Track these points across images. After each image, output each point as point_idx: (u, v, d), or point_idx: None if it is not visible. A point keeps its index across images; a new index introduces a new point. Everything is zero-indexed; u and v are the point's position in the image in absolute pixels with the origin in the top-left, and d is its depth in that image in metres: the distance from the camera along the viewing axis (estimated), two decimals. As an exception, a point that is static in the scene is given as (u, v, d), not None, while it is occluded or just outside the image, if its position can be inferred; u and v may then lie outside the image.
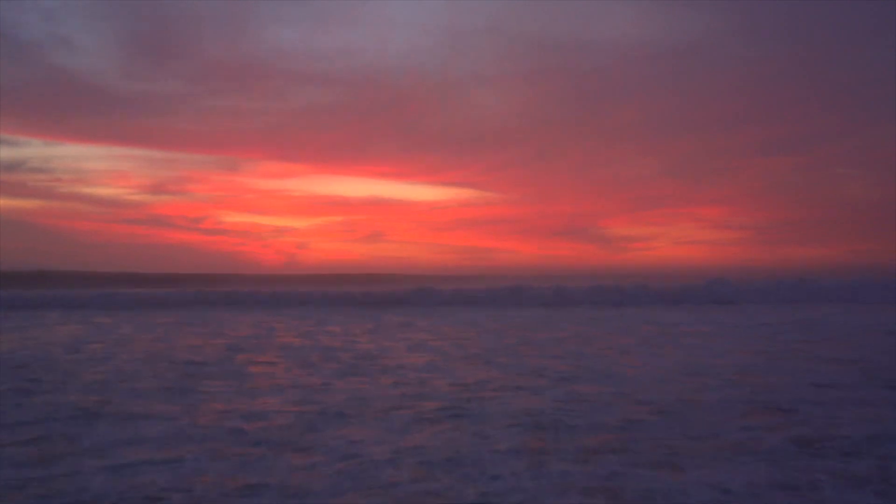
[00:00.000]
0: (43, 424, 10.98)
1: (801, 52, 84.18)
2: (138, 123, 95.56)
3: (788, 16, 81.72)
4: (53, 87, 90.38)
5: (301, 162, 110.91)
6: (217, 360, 17.98)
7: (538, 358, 17.74)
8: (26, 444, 9.90)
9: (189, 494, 7.80)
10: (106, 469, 8.70)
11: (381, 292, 49.99)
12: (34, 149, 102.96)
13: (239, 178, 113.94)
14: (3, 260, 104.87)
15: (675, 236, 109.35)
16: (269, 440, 9.90)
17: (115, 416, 11.38)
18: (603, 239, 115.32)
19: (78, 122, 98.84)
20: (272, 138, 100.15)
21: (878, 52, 74.83)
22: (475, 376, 14.90)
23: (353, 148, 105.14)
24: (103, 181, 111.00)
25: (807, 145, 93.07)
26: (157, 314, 38.09)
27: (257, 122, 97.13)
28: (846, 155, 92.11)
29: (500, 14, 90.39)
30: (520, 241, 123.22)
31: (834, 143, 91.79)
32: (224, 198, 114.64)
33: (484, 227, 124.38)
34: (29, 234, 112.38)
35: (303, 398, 12.80)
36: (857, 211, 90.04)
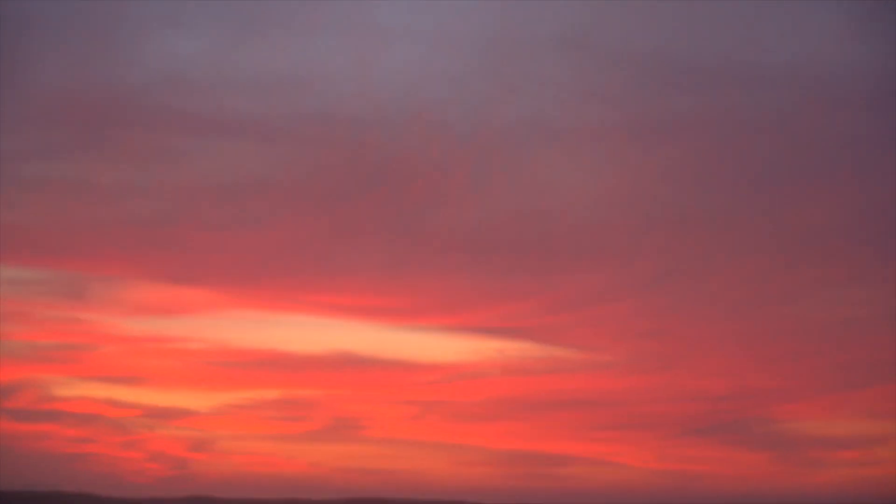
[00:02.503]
0: None
1: None
2: None
3: None
4: None
5: (204, 285, 60.39)
6: None
7: None
8: None
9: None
10: None
11: None
12: None
13: (86, 315, 66.18)
14: None
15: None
16: None
17: None
18: (781, 442, 60.31)
19: None
20: (151, 238, 52.16)
21: None
22: None
23: (303, 259, 55.87)
24: None
25: None
26: None
27: (124, 209, 49.41)
28: None
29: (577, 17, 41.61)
30: (625, 444, 67.29)
31: None
32: (56, 350, 65.52)
33: (553, 416, 66.55)
34: None
35: None
36: None
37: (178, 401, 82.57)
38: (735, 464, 68.78)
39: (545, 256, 72.33)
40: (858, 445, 64.86)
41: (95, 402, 76.88)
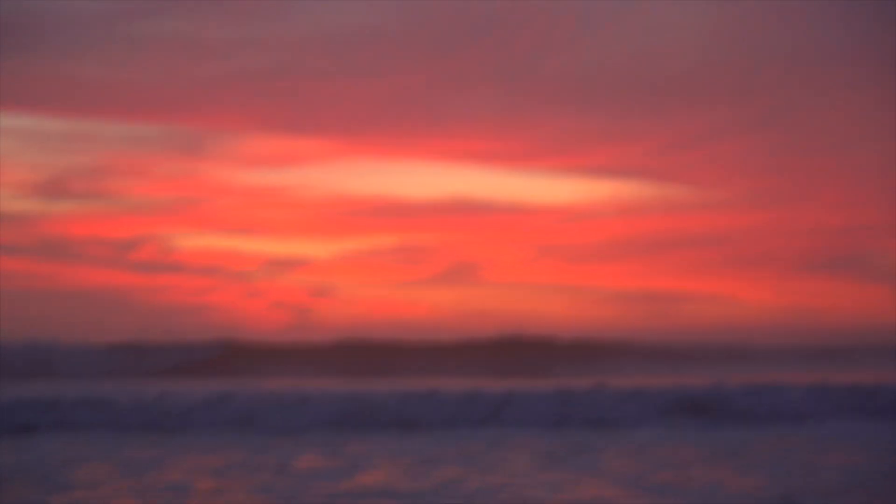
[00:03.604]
0: None
1: None
2: (14, 68, 57.33)
3: None
4: None
5: (318, 134, 64.89)
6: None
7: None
8: None
9: None
10: None
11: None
12: None
13: (202, 167, 67.94)
14: None
15: None
16: None
17: None
18: None
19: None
20: (264, 90, 58.56)
21: None
22: None
23: (415, 106, 61.95)
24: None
25: None
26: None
27: (236, 62, 58.06)
28: None
29: None
30: (742, 280, 70.50)
31: None
32: (175, 204, 66.69)
33: (670, 254, 69.75)
34: None
35: None
36: None
37: (298, 250, 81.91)
38: (854, 297, 63.37)
39: (657, 97, 67.18)
40: None
41: (216, 254, 77.53)
